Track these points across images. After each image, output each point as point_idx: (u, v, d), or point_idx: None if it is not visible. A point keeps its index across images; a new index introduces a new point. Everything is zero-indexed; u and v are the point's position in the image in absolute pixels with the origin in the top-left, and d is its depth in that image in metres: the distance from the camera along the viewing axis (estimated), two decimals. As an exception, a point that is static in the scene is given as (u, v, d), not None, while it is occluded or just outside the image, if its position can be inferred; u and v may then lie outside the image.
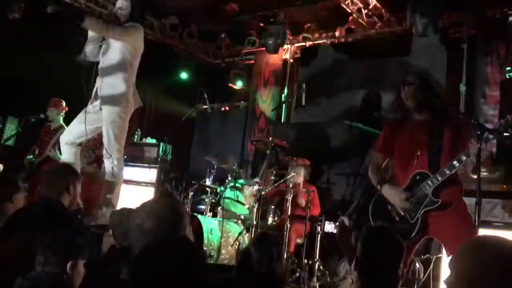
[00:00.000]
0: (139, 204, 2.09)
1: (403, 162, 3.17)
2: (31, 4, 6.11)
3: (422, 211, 2.99)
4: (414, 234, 2.99)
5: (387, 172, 3.33)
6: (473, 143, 2.80)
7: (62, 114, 5.83)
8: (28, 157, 5.70)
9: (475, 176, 3.04)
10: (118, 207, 4.31)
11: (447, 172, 2.93)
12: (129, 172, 5.69)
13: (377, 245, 2.25)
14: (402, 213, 3.04)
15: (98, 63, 4.27)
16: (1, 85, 6.02)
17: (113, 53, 4.16)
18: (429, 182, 2.98)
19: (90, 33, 4.18)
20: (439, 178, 2.94)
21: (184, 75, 8.87)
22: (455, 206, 3.00)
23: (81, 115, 4.17)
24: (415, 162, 3.07)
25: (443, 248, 4.01)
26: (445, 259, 4.25)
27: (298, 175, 5.74)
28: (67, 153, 4.16)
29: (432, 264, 4.46)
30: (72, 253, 2.22)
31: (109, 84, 4.13)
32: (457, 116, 3.33)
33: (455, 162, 2.91)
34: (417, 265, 4.48)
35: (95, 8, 6.83)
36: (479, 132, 2.79)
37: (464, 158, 2.87)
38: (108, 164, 4.08)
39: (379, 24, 6.85)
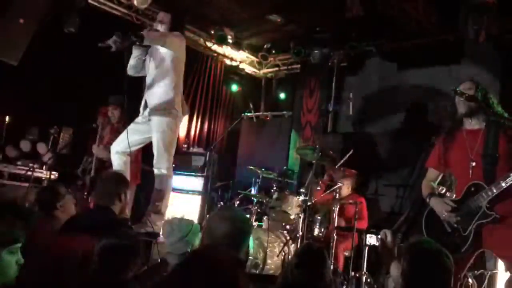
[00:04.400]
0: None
1: (458, 173, 3.09)
2: (87, 19, 6.37)
3: (476, 224, 2.88)
4: (466, 247, 2.88)
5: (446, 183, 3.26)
6: None
7: None
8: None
9: None
10: (166, 215, 4.40)
11: (503, 185, 2.81)
12: (176, 180, 5.78)
13: (423, 261, 2.14)
14: (455, 225, 2.94)
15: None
16: (55, 95, 6.27)
17: (158, 63, 4.21)
18: (483, 194, 2.86)
19: (135, 50, 4.26)
20: (494, 191, 2.83)
21: (234, 87, 8.97)
22: (512, 219, 2.88)
23: (131, 126, 4.27)
24: (470, 173, 2.97)
25: (498, 263, 3.84)
26: (501, 275, 4.06)
27: (344, 186, 5.65)
28: (117, 162, 4.27)
29: (486, 280, 4.27)
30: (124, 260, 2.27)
31: (156, 94, 4.20)
32: None
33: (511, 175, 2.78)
34: (470, 280, 4.30)
35: (146, 21, 7.03)
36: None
37: None
38: (157, 173, 4.15)
39: (429, 31, 6.67)
